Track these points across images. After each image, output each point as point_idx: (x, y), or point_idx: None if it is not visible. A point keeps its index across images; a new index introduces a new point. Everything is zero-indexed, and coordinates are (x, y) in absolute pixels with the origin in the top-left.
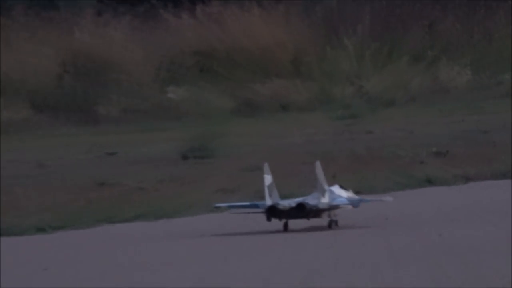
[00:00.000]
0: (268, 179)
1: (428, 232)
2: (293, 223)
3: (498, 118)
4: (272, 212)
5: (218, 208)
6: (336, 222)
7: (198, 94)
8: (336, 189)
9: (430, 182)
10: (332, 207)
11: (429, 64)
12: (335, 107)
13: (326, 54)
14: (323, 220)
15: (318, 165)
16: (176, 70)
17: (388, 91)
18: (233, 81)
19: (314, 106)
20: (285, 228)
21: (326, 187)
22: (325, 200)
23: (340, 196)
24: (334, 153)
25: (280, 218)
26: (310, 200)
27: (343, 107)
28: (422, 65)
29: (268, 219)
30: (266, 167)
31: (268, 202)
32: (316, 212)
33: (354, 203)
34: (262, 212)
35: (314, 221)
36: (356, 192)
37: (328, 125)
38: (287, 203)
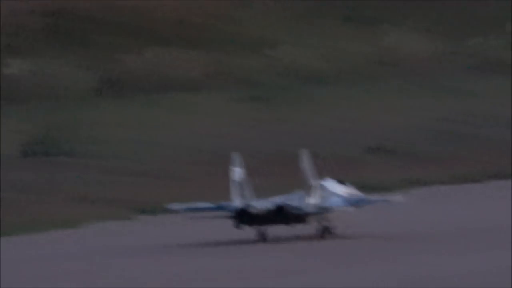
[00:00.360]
0: (237, 173)
1: None
2: (272, 230)
3: (470, 100)
4: (243, 216)
5: (173, 211)
6: (329, 229)
7: (47, 68)
8: (331, 184)
9: (363, 188)
10: (322, 210)
11: (369, 28)
12: (237, 85)
13: (226, 14)
14: (312, 227)
15: (304, 154)
16: (17, 35)
17: (312, 63)
18: (95, 50)
19: (207, 84)
20: (263, 237)
21: (314, 183)
22: (312, 200)
23: (335, 195)
24: (234, 151)
25: (252, 224)
26: (293, 200)
27: (249, 85)
28: (360, 29)
29: (237, 225)
30: (235, 157)
31: (237, 203)
32: (300, 216)
33: (353, 204)
34: (229, 217)
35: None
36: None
37: (227, 110)
38: (263, 205)
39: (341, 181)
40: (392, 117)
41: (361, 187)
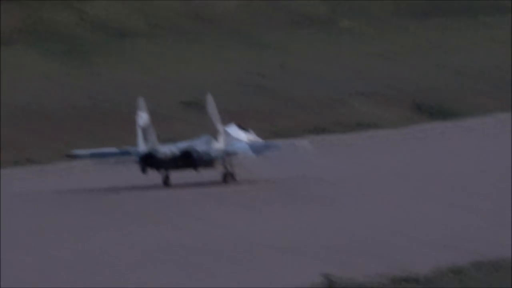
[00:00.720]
0: (143, 117)
1: None
2: (176, 176)
3: (285, 55)
4: (149, 161)
5: (74, 156)
6: (233, 175)
7: None
8: (233, 129)
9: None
10: (228, 155)
11: None
12: (49, 40)
13: None
14: (217, 172)
15: (209, 99)
16: None
17: (125, 18)
18: None
19: (17, 39)
20: (166, 182)
21: (220, 127)
22: (219, 145)
23: (238, 140)
24: (50, 107)
25: (159, 168)
26: (199, 145)
27: (61, 40)
28: None
29: (143, 170)
30: (141, 101)
31: (143, 148)
32: (207, 161)
33: (258, 150)
34: (134, 162)
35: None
36: None
37: (38, 65)
38: (168, 150)
39: (242, 127)
40: (207, 72)
41: (174, 142)
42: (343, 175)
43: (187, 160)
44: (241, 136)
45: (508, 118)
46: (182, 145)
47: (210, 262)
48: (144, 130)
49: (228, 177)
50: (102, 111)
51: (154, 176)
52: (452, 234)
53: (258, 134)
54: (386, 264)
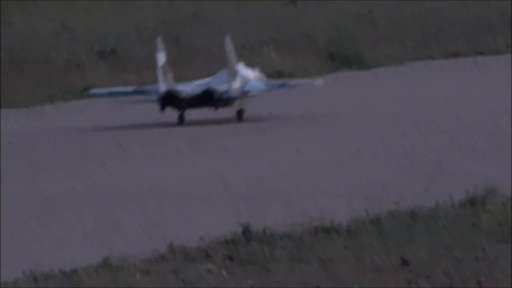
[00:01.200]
0: (161, 57)
1: None
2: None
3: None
4: (169, 100)
5: (92, 95)
6: (243, 112)
7: None
8: (241, 69)
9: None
10: (244, 94)
11: None
12: None
13: None
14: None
15: (227, 39)
16: None
17: None
18: None
19: None
20: (181, 120)
21: (237, 68)
22: (237, 84)
23: (250, 79)
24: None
25: (179, 108)
26: (218, 84)
27: None
28: None
29: (162, 108)
30: (159, 42)
31: (162, 87)
32: (226, 100)
33: (273, 88)
34: (154, 101)
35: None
36: None
37: None
38: (190, 89)
39: (248, 66)
40: (121, 22)
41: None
42: (250, 125)
43: (208, 99)
44: (249, 75)
45: (421, 66)
46: (201, 83)
47: (119, 211)
48: (163, 70)
49: (242, 114)
50: (14, 61)
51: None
52: (366, 183)
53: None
54: (304, 214)
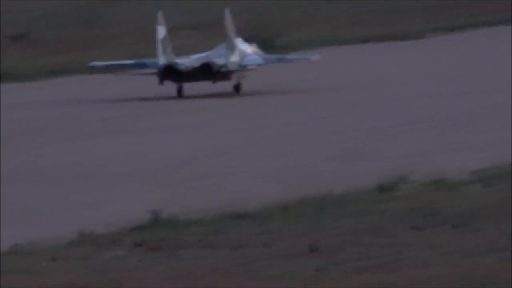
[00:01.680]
0: (161, 31)
1: None
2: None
3: None
4: (168, 73)
5: (93, 67)
6: (240, 86)
7: None
8: (239, 43)
9: (7, 76)
10: (242, 67)
11: None
12: None
13: None
14: (227, 83)
15: (227, 13)
16: None
17: None
18: None
19: None
20: (180, 93)
21: (236, 42)
22: (235, 58)
23: (248, 53)
24: None
25: (178, 81)
26: (216, 58)
27: None
28: None
29: (161, 81)
30: (160, 16)
31: (162, 60)
32: (224, 73)
33: (271, 62)
34: (153, 74)
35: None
36: None
37: None
38: (189, 62)
39: (247, 41)
40: (34, 6)
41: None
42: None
43: (207, 72)
44: (247, 49)
45: (332, 51)
46: (200, 57)
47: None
48: (163, 43)
49: (240, 88)
50: None
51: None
52: (279, 168)
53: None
54: (216, 199)
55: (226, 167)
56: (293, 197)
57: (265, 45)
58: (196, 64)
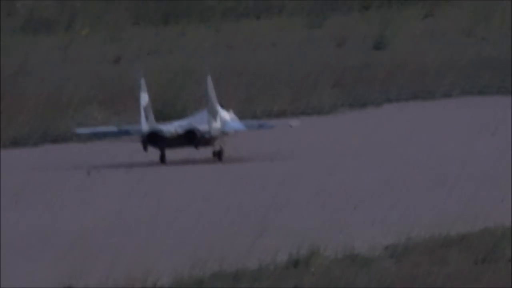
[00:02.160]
0: (144, 98)
1: None
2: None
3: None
4: (153, 139)
5: (78, 135)
6: (221, 153)
7: None
8: (220, 110)
9: None
10: (224, 133)
11: None
12: None
13: None
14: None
15: (209, 80)
16: None
17: None
18: None
19: None
20: (163, 160)
21: (218, 107)
22: (217, 124)
23: (227, 120)
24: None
25: (161, 147)
26: (199, 124)
27: None
28: None
29: (145, 148)
30: (142, 82)
31: (145, 127)
32: (207, 139)
33: (252, 128)
34: (137, 141)
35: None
36: None
37: None
38: (173, 129)
39: (222, 106)
40: None
41: None
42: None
43: (190, 139)
44: (225, 115)
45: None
46: (182, 124)
47: None
48: (146, 110)
49: (221, 155)
50: None
51: None
52: (189, 242)
53: None
54: (129, 275)
55: (133, 242)
56: (205, 272)
57: (178, 117)
58: (180, 130)
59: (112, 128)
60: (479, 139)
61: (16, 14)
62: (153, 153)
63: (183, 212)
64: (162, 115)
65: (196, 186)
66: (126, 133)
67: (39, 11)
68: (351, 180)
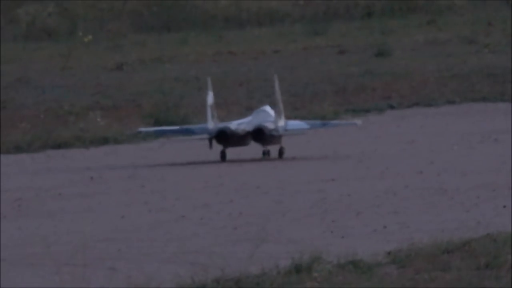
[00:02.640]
0: (210, 96)
1: None
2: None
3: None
4: (221, 138)
5: (140, 133)
6: (283, 151)
7: None
8: (269, 109)
9: None
10: (289, 132)
11: None
12: None
13: None
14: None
15: (276, 79)
16: None
17: None
18: None
19: None
20: (223, 157)
21: (281, 107)
22: (281, 122)
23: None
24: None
25: (229, 145)
26: (267, 122)
27: None
28: None
29: (211, 146)
30: (208, 81)
31: (211, 125)
32: (275, 137)
33: (315, 127)
34: (204, 138)
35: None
36: None
37: None
38: (241, 127)
39: (272, 108)
40: None
41: None
42: (75, 189)
43: (259, 136)
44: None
45: None
46: (250, 121)
47: None
48: (211, 109)
49: (282, 153)
50: None
51: None
52: (191, 249)
53: None
54: (129, 282)
55: (138, 249)
56: (207, 278)
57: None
58: (249, 128)
59: (175, 127)
60: (481, 146)
61: (18, 21)
62: (148, 156)
63: (179, 220)
64: (164, 122)
65: (195, 193)
66: (189, 131)
67: (41, 18)
68: (353, 187)
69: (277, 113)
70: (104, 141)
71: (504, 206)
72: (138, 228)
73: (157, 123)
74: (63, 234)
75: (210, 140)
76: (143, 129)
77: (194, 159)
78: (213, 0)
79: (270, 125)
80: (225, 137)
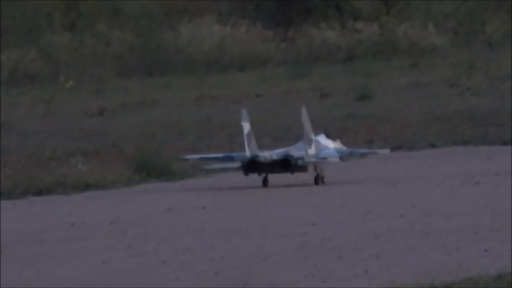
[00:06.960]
0: (246, 126)
1: None
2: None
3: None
4: (252, 165)
5: (186, 160)
6: (323, 178)
7: None
8: (322, 139)
9: None
10: (319, 160)
11: None
12: None
13: None
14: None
15: (304, 111)
16: None
17: None
18: None
19: None
20: (265, 184)
21: (313, 136)
22: (311, 151)
23: (327, 147)
24: None
25: (259, 173)
26: (295, 151)
27: None
28: None
29: (246, 173)
30: (244, 113)
31: (247, 153)
32: (301, 166)
33: (344, 155)
34: (239, 166)
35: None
36: None
37: None
38: (268, 155)
39: (329, 137)
40: None
41: None
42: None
43: (286, 165)
44: (329, 144)
45: (229, 176)
46: (279, 151)
47: None
48: (248, 137)
49: (318, 180)
50: None
51: None
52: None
53: None
54: None
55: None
56: None
57: (160, 171)
58: (276, 157)
59: (218, 154)
60: (463, 188)
61: (0, 67)
62: (131, 201)
63: (160, 267)
64: (146, 168)
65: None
66: (231, 158)
67: (23, 64)
68: (335, 230)
69: (307, 142)
70: (86, 186)
71: (486, 250)
72: (120, 273)
73: (139, 169)
74: (46, 279)
75: (243, 168)
76: (188, 156)
77: (176, 204)
78: (195, 45)
79: (297, 154)
80: (253, 166)
